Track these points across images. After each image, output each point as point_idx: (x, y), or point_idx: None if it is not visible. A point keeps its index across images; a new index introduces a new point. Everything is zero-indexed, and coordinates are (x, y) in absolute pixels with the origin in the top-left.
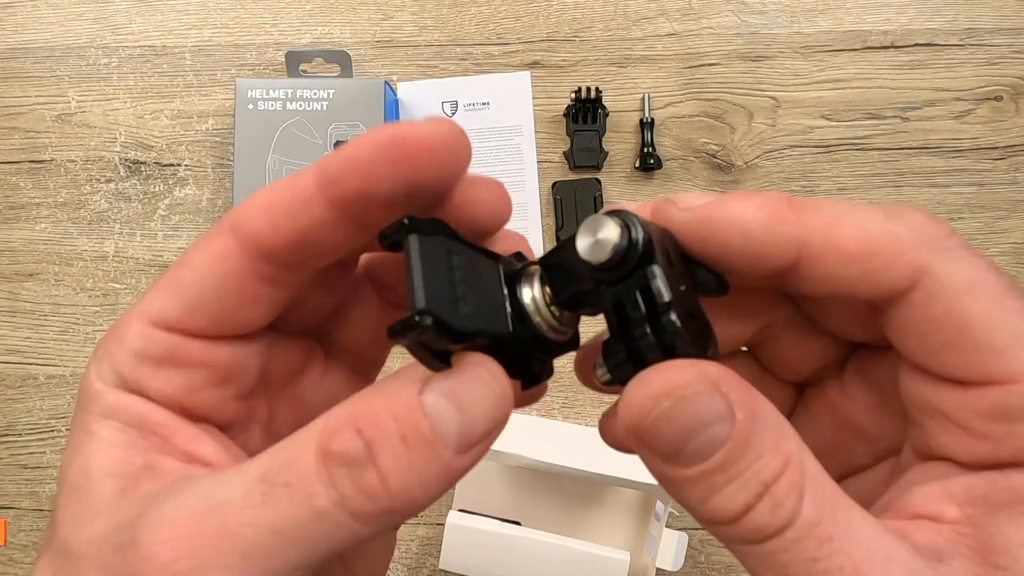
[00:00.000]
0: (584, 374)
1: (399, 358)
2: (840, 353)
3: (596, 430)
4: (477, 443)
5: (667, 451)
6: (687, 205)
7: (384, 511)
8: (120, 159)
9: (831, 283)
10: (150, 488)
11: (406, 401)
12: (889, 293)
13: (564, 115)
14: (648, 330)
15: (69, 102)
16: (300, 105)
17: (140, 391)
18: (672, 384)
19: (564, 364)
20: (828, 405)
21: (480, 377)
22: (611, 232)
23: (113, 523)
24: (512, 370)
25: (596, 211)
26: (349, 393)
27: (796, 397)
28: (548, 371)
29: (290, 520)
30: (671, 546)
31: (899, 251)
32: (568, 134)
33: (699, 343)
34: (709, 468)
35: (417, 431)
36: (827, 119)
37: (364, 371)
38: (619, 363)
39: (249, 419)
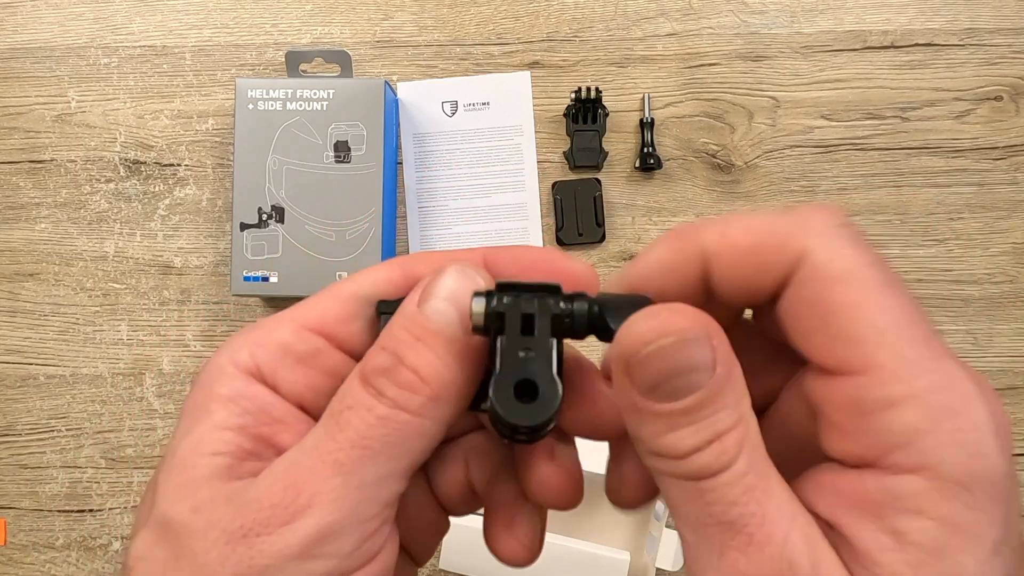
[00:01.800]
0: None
1: None
2: (787, 376)
3: None
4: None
5: (647, 384)
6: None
7: (430, 398)
8: (120, 159)
9: (735, 283)
10: (253, 469)
11: (410, 313)
12: (777, 281)
13: (564, 115)
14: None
15: (69, 102)
16: (300, 105)
17: (272, 382)
18: (677, 326)
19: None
20: (778, 424)
21: (462, 272)
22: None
23: (218, 493)
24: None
25: (596, 211)
26: None
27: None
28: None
29: (363, 433)
30: (671, 546)
31: (782, 239)
32: (568, 134)
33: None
34: (678, 409)
35: (424, 329)
36: (827, 119)
37: None
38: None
39: None
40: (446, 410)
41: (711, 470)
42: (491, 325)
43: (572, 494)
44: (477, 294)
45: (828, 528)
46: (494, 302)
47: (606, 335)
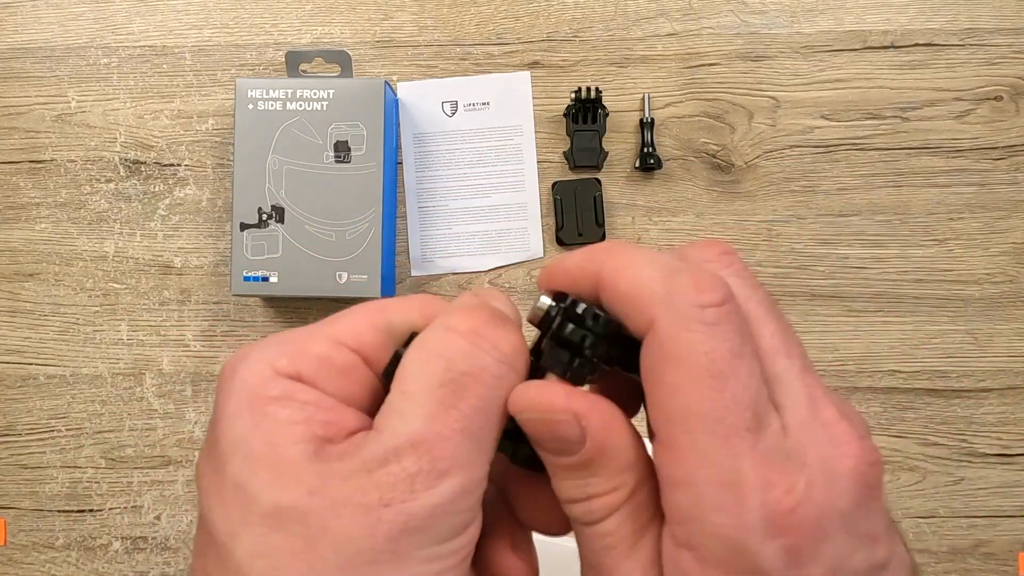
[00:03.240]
0: None
1: None
2: None
3: None
4: (519, 322)
5: (531, 437)
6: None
7: (525, 360)
8: (120, 159)
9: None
10: (339, 450)
11: (479, 291)
12: (638, 333)
13: (564, 115)
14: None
15: (69, 102)
16: (300, 105)
17: (312, 383)
18: (545, 404)
19: None
20: None
21: (496, 297)
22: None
23: (328, 474)
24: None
25: (596, 211)
26: None
27: None
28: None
29: (483, 396)
30: None
31: (645, 303)
32: (568, 134)
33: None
34: (557, 464)
35: (502, 299)
36: (827, 119)
37: None
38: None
39: None
40: (524, 358)
41: (582, 521)
42: (549, 318)
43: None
44: (543, 292)
45: None
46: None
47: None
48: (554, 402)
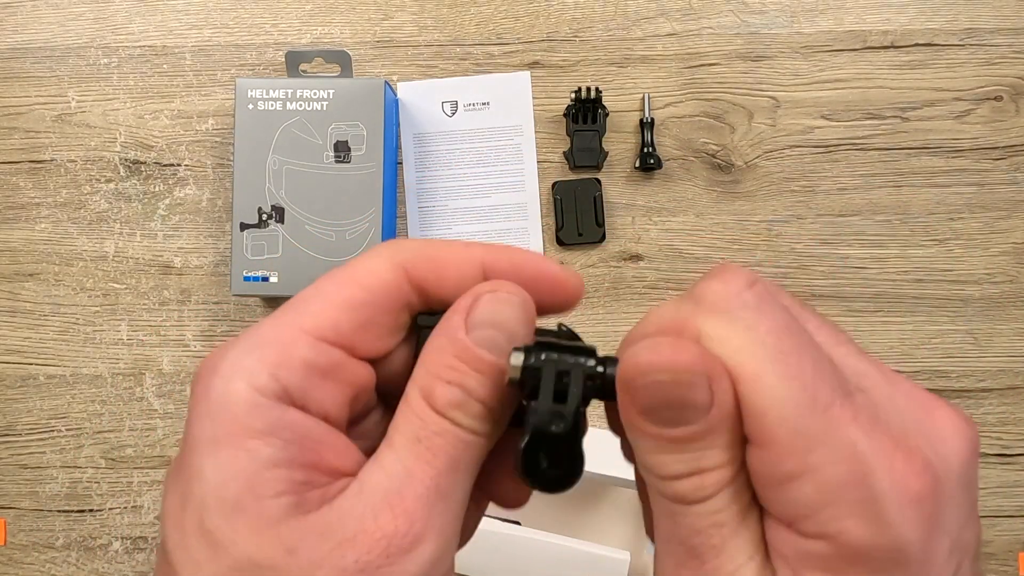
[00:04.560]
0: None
1: None
2: None
3: (597, 431)
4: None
5: (643, 406)
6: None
7: (498, 422)
8: (120, 159)
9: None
10: (319, 500)
11: (462, 343)
12: None
13: (564, 115)
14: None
15: (69, 102)
16: (300, 105)
17: (303, 404)
18: (678, 363)
19: None
20: None
21: (502, 298)
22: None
23: (306, 531)
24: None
25: (596, 211)
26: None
27: None
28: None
29: (454, 456)
30: None
31: (680, 329)
32: (568, 134)
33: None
34: (668, 436)
35: (481, 361)
36: (827, 119)
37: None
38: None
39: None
40: (502, 428)
41: (687, 499)
42: (527, 380)
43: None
44: (516, 349)
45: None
46: (532, 358)
47: None
48: (690, 361)
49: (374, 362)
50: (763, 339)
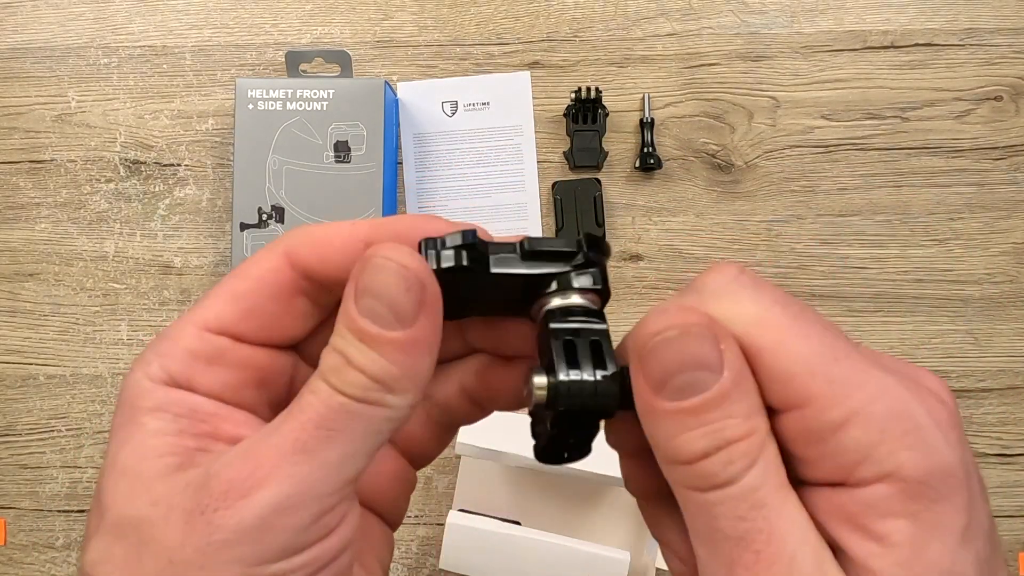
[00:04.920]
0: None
1: None
2: None
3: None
4: (416, 310)
5: (657, 378)
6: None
7: (383, 391)
8: (120, 159)
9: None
10: (199, 462)
11: (350, 313)
12: None
13: (564, 115)
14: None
15: (69, 102)
16: (300, 105)
17: (189, 387)
18: (684, 321)
19: None
20: None
21: (380, 265)
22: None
23: (175, 483)
24: None
25: (596, 211)
26: None
27: None
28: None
29: (325, 416)
30: None
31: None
32: (568, 134)
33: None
34: (686, 407)
35: (364, 332)
36: (827, 119)
37: None
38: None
39: None
40: (408, 393)
41: (719, 479)
42: (555, 400)
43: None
44: (536, 369)
45: (831, 546)
46: (557, 375)
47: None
48: (696, 319)
49: (298, 346)
50: (771, 309)
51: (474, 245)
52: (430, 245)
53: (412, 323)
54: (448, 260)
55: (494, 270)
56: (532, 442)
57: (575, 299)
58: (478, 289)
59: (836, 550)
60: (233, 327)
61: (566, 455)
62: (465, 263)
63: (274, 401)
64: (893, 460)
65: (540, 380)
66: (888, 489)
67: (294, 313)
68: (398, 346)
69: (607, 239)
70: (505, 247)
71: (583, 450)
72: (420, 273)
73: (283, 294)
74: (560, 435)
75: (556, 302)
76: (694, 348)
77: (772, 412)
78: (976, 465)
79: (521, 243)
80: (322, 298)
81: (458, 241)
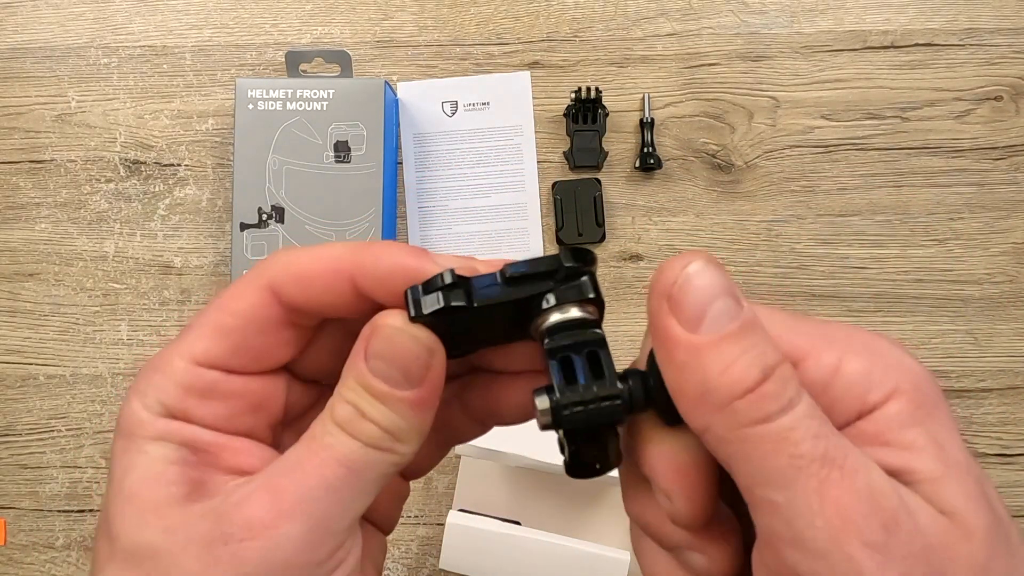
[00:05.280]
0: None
1: None
2: None
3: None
4: (424, 374)
5: (691, 314)
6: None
7: (395, 440)
8: (120, 159)
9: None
10: (211, 491)
11: (360, 371)
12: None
13: (564, 115)
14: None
15: (69, 102)
16: (300, 105)
17: (186, 419)
18: (697, 257)
19: None
20: None
21: (390, 336)
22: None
23: (189, 513)
24: None
25: (596, 211)
26: None
27: None
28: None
29: (346, 455)
30: None
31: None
32: (568, 134)
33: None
34: (727, 334)
35: (376, 390)
36: (827, 119)
37: None
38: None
39: (279, 446)
40: (413, 442)
41: (784, 400)
42: (558, 421)
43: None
44: (537, 391)
45: None
46: (556, 396)
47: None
48: (701, 254)
49: (290, 367)
50: (776, 311)
51: (455, 284)
52: (414, 294)
53: (420, 384)
54: (432, 304)
55: (478, 303)
56: (532, 442)
57: (570, 312)
58: (472, 323)
59: None
60: (223, 362)
61: (597, 467)
62: (451, 303)
63: (272, 422)
64: (890, 379)
65: (542, 403)
66: (897, 404)
67: (281, 342)
68: (408, 404)
69: (606, 238)
70: (487, 278)
71: (608, 461)
72: (428, 343)
73: (270, 327)
74: (579, 451)
75: (552, 319)
76: (718, 276)
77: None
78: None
79: (502, 271)
80: (306, 321)
81: (438, 284)
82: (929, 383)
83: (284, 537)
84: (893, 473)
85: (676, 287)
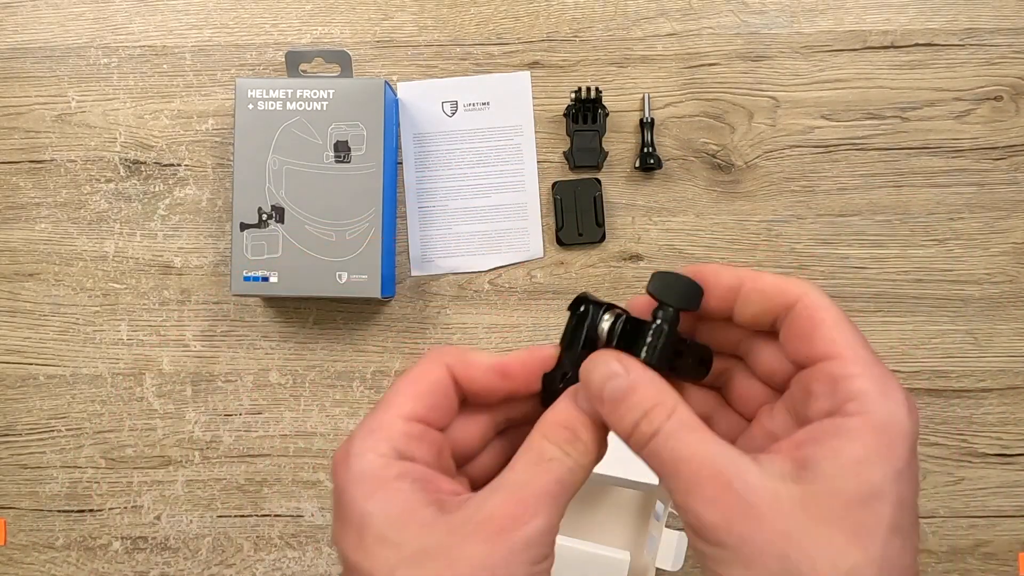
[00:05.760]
0: None
1: None
2: (768, 396)
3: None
4: (598, 436)
5: (595, 392)
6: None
7: (595, 461)
8: (120, 159)
9: (757, 302)
10: (455, 506)
11: (576, 411)
12: (786, 305)
13: (564, 115)
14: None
15: (69, 102)
16: (300, 105)
17: (411, 458)
18: (599, 359)
19: None
20: (759, 425)
21: (594, 369)
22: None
23: (454, 520)
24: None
25: (596, 211)
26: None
27: (745, 423)
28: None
29: (563, 474)
30: (671, 546)
31: (790, 287)
32: (568, 134)
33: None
34: (615, 400)
35: (585, 424)
36: (827, 119)
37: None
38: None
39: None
40: (597, 461)
41: (647, 435)
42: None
43: None
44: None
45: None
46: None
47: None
48: (603, 357)
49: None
50: (835, 307)
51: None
52: (549, 379)
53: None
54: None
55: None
56: None
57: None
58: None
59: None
60: (424, 416)
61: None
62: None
63: (448, 465)
64: (872, 407)
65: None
66: (858, 422)
67: (451, 406)
68: (585, 451)
69: (606, 238)
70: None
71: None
72: (592, 418)
73: (448, 394)
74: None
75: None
76: (605, 369)
77: (799, 367)
78: (915, 402)
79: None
80: (456, 398)
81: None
82: (897, 435)
83: (535, 528)
84: (851, 398)
85: (584, 380)
